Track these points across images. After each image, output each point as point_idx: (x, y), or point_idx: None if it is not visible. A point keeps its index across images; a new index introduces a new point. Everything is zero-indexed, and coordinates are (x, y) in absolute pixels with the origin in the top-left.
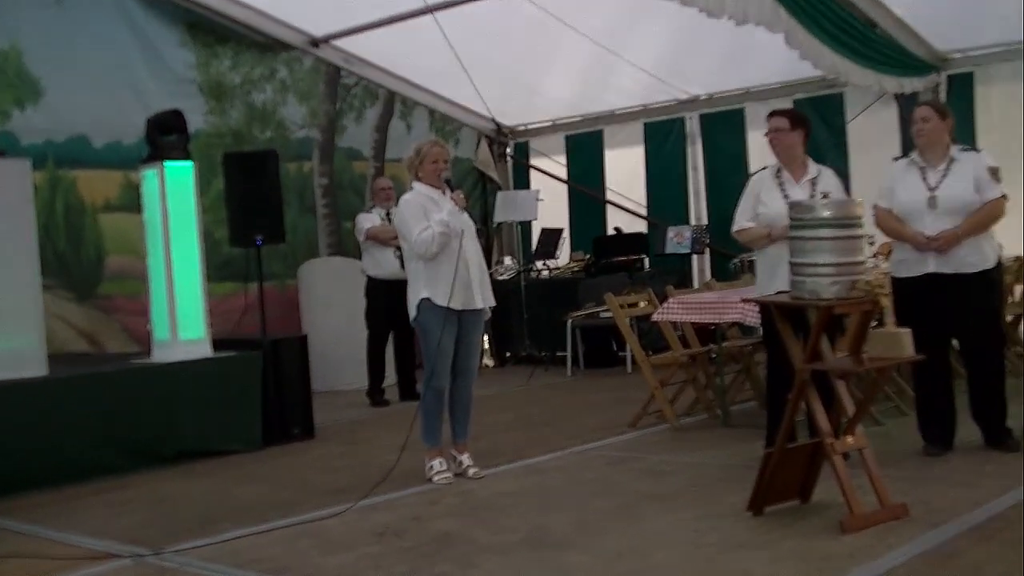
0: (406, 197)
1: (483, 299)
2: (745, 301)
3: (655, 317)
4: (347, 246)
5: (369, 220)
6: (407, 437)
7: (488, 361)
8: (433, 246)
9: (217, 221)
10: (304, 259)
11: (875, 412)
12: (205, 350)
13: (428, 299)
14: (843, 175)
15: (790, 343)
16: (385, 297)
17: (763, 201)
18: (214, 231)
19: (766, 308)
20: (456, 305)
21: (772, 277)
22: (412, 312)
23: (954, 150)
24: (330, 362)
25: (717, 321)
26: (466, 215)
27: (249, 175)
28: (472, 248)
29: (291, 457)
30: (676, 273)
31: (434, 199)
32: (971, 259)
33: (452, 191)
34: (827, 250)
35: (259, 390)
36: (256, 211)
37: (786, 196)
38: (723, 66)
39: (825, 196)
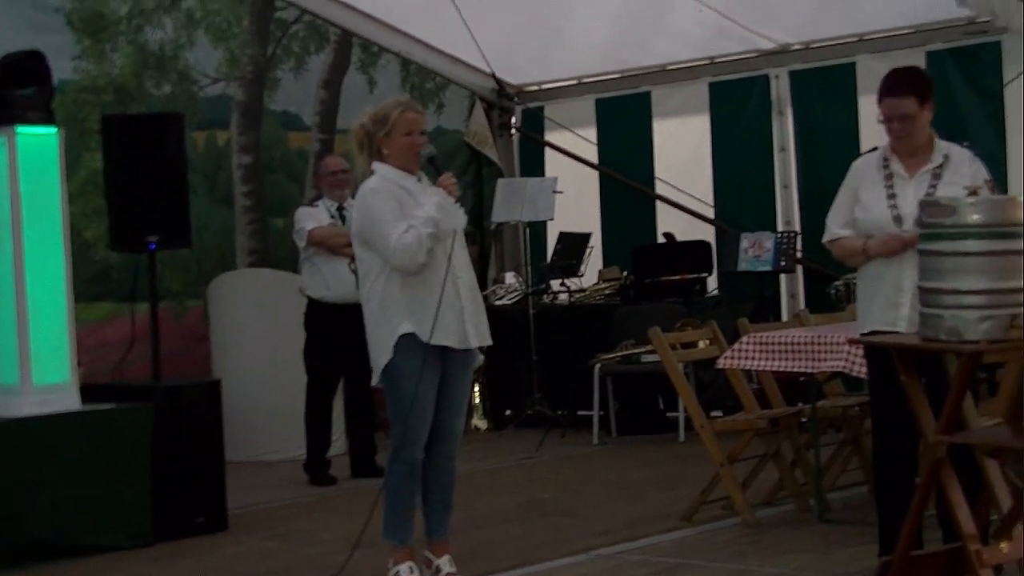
0: (371, 184)
1: (476, 334)
2: (852, 343)
3: (721, 363)
4: (278, 253)
5: (313, 217)
6: (362, 529)
7: (479, 422)
8: (420, 254)
9: (89, 214)
10: (216, 272)
11: None
12: (71, 401)
13: (412, 335)
14: (995, 160)
15: (918, 405)
16: (333, 328)
17: (862, 201)
18: (84, 229)
19: (876, 353)
20: (449, 341)
21: (867, 311)
22: (382, 357)
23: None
24: (252, 420)
25: (811, 371)
26: (461, 209)
27: (139, 148)
28: (463, 259)
29: (193, 559)
30: (752, 300)
31: (408, 188)
32: None
33: (440, 173)
34: (976, 271)
35: (147, 460)
36: (148, 201)
37: (892, 196)
38: (825, 2)
39: (973, 192)
